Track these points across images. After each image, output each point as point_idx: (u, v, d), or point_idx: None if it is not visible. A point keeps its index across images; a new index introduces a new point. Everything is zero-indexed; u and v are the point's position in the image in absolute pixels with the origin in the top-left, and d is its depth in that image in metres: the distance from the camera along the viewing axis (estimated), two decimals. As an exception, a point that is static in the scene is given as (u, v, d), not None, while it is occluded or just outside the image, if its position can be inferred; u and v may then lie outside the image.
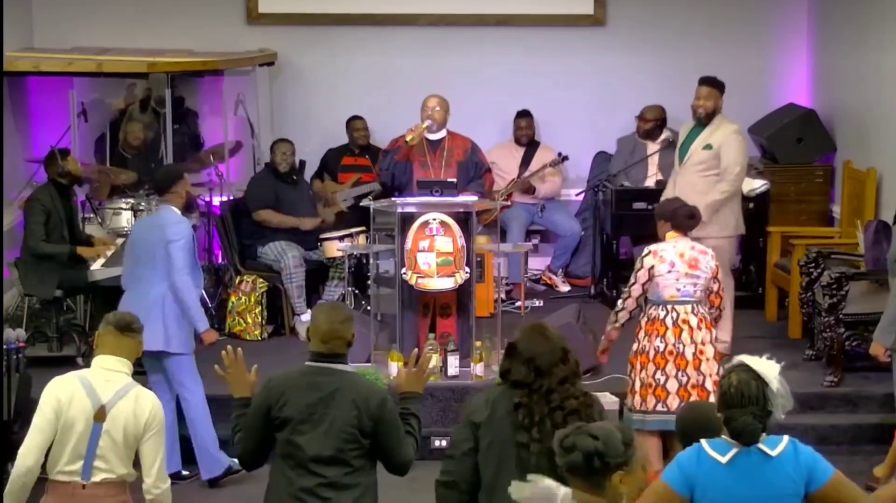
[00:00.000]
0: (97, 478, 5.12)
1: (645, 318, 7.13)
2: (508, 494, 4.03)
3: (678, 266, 7.03)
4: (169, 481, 5.29)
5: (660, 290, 7.05)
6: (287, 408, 4.93)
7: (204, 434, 7.63)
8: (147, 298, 7.46)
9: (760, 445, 4.45)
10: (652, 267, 7.05)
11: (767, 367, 4.54)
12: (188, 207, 7.98)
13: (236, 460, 7.65)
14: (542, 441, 4.76)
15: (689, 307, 7.05)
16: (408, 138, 8.63)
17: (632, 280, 7.14)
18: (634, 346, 7.17)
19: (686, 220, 7.15)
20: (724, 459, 4.51)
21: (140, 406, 5.16)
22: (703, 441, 4.55)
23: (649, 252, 7.08)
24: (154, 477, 5.18)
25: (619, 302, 7.26)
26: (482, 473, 4.85)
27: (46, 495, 5.20)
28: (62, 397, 5.13)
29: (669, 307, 7.05)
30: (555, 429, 4.71)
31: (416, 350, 5.26)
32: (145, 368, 7.51)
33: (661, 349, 7.03)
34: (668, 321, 7.04)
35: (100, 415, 5.11)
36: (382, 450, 5.00)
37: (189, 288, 7.48)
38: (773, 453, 4.49)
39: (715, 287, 7.15)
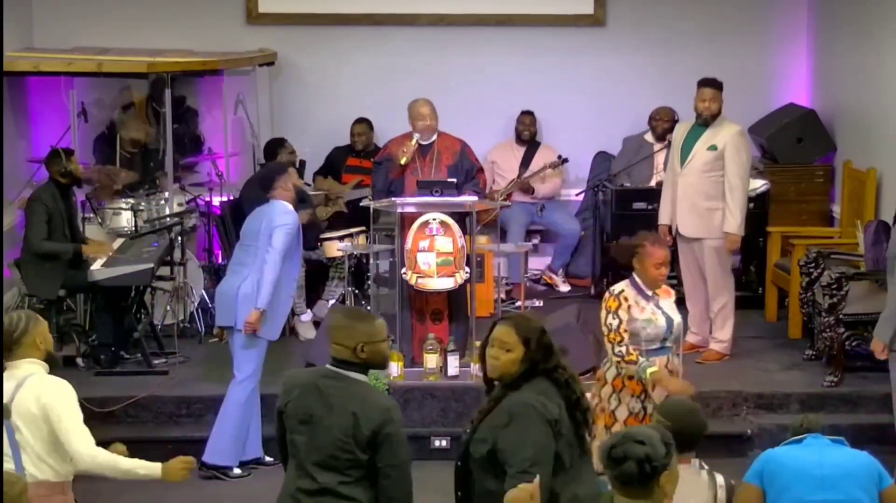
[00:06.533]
0: (29, 477, 5.06)
1: None
2: (590, 476, 4.66)
3: None
4: (97, 454, 5.10)
5: None
6: (290, 407, 4.92)
7: (228, 424, 7.67)
8: (245, 282, 7.63)
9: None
10: None
11: None
12: (301, 199, 8.46)
13: (237, 470, 7.67)
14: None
15: None
16: (402, 161, 8.46)
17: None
18: None
19: None
20: (796, 440, 5.21)
21: (35, 392, 5.08)
22: None
23: None
24: (76, 454, 5.07)
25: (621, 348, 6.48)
26: (564, 461, 4.70)
27: None
28: None
29: None
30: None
31: None
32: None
33: None
34: None
35: (6, 413, 5.08)
36: (375, 467, 4.81)
37: (275, 267, 7.56)
38: (845, 442, 5.20)
39: None
